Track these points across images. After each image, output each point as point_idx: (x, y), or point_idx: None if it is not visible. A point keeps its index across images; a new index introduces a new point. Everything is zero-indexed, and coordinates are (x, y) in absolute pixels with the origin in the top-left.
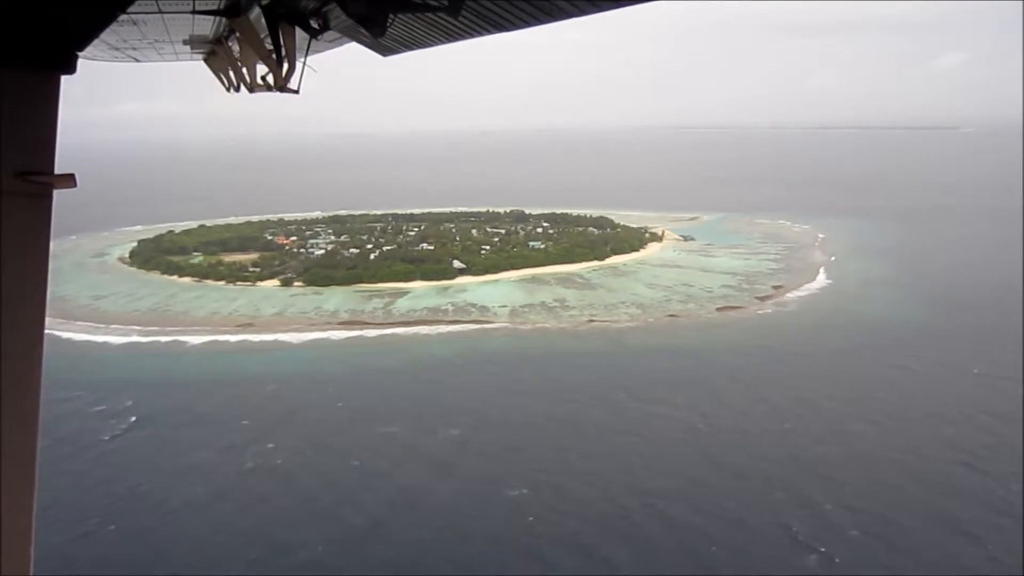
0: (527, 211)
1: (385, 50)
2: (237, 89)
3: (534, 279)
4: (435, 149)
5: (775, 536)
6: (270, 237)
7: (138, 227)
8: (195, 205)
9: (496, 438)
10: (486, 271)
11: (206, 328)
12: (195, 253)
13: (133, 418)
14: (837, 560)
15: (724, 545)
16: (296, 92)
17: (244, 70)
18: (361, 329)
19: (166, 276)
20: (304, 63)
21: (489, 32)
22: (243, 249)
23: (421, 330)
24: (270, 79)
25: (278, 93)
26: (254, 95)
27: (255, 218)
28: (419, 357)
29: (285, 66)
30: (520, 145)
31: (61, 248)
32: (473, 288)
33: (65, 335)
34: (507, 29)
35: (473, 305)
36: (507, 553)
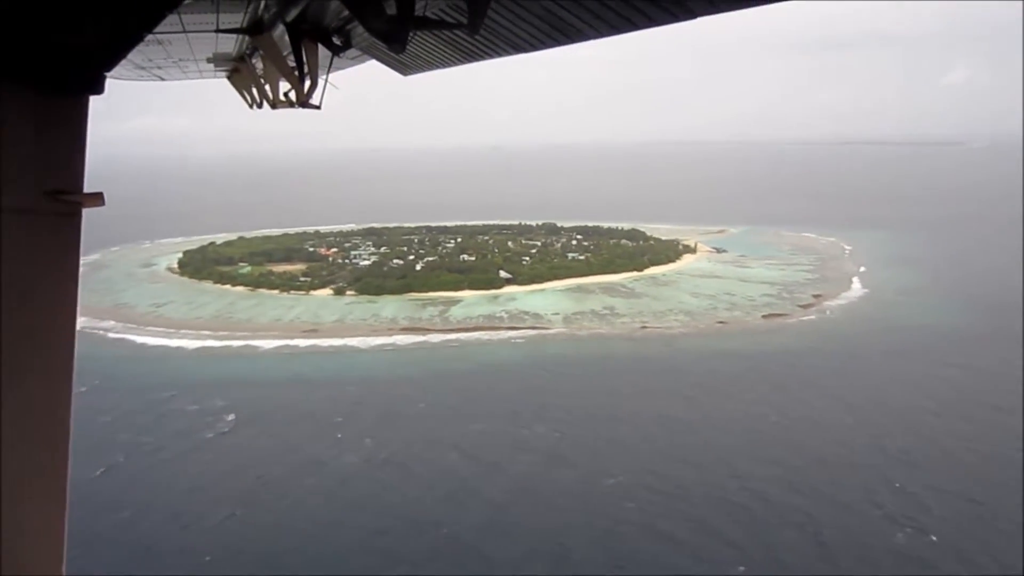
0: (558, 224)
1: (405, 68)
2: (260, 106)
3: (579, 288)
4: (452, 164)
5: (869, 513)
6: (312, 248)
7: (178, 239)
8: (226, 218)
9: (588, 432)
10: (532, 281)
11: (273, 333)
12: (241, 264)
13: (232, 416)
14: (933, 538)
15: (824, 520)
16: (318, 108)
17: (267, 87)
18: (424, 335)
19: (219, 285)
20: (326, 80)
21: (507, 53)
22: (288, 260)
23: (482, 336)
24: (292, 95)
25: (300, 109)
26: (276, 112)
27: (291, 230)
28: (489, 360)
29: (307, 83)
30: (536, 160)
31: (106, 259)
32: (522, 297)
33: (139, 340)
34: (525, 50)
35: (526, 312)
36: (633, 529)
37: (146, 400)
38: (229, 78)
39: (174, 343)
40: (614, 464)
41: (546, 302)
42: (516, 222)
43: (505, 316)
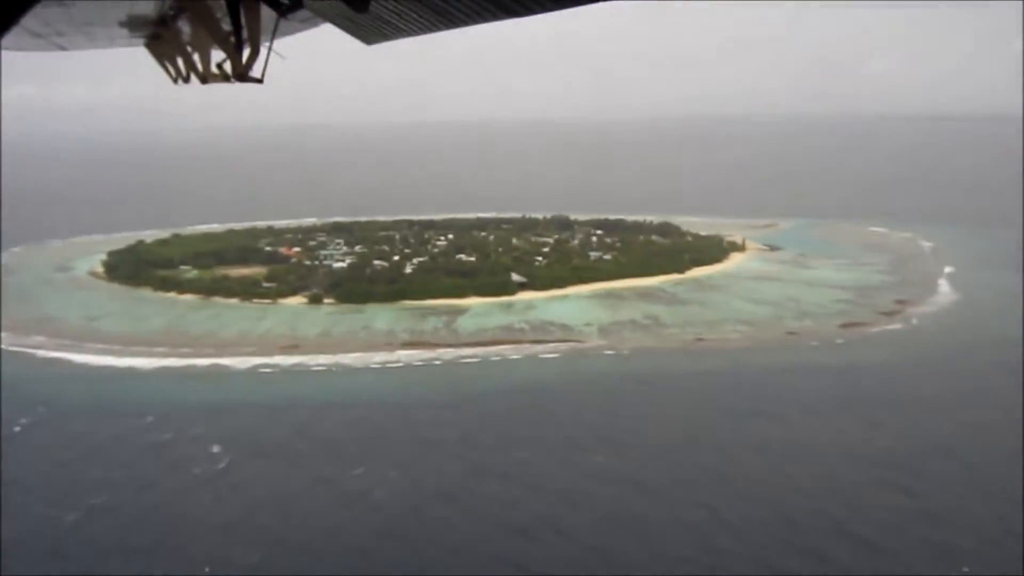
0: (571, 217)
1: (368, 35)
2: (187, 79)
3: (609, 294)
4: (419, 143)
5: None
6: (269, 248)
7: (96, 236)
8: (152, 210)
9: (666, 462)
10: (551, 285)
11: (245, 350)
12: (184, 267)
13: (217, 448)
14: None
15: (975, 523)
16: (260, 81)
17: (196, 57)
18: (432, 350)
19: (161, 293)
20: (270, 48)
21: (489, 18)
22: (242, 262)
23: (504, 351)
24: (228, 67)
25: (238, 83)
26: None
27: (237, 226)
28: (519, 380)
29: (247, 51)
30: (523, 140)
31: (11, 261)
32: (542, 304)
33: (79, 359)
34: (514, 14)
35: (551, 323)
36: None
37: (109, 430)
38: (147, 46)
39: (123, 362)
40: (715, 498)
41: (573, 311)
42: (519, 215)
43: (526, 328)
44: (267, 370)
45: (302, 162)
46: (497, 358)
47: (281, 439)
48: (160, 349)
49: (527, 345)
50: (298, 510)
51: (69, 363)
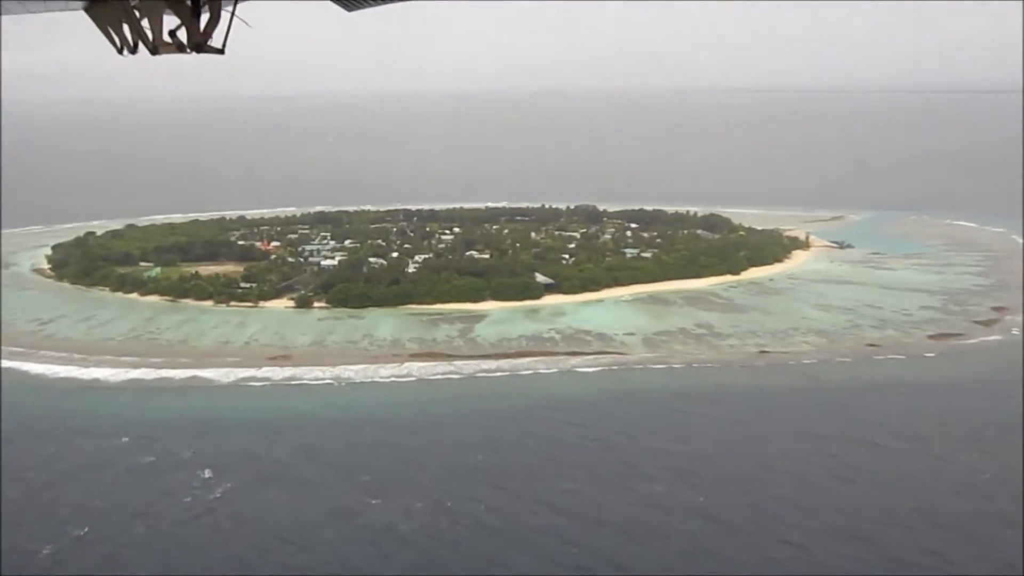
0: (600, 207)
1: (348, 1)
2: (133, 50)
3: (652, 299)
4: (404, 116)
5: None
6: (242, 242)
7: (35, 227)
8: (101, 197)
9: (743, 493)
10: (583, 288)
11: (226, 360)
12: (145, 264)
13: (208, 472)
14: None
15: None
16: (221, 52)
17: (145, 23)
18: (448, 363)
19: (120, 294)
20: (232, 13)
21: None
22: (212, 257)
23: (533, 364)
24: (183, 35)
25: (194, 54)
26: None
27: (202, 215)
28: (555, 398)
29: (205, 17)
30: (529, 113)
31: None
32: (573, 310)
33: (34, 369)
34: None
35: (586, 332)
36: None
37: (81, 452)
38: (88, 11)
39: (87, 373)
40: (802, 534)
41: (611, 318)
42: (536, 204)
43: (557, 337)
44: (256, 384)
45: (272, 141)
46: (526, 372)
47: (283, 462)
48: (128, 359)
49: (560, 358)
50: (317, 546)
51: (23, 374)
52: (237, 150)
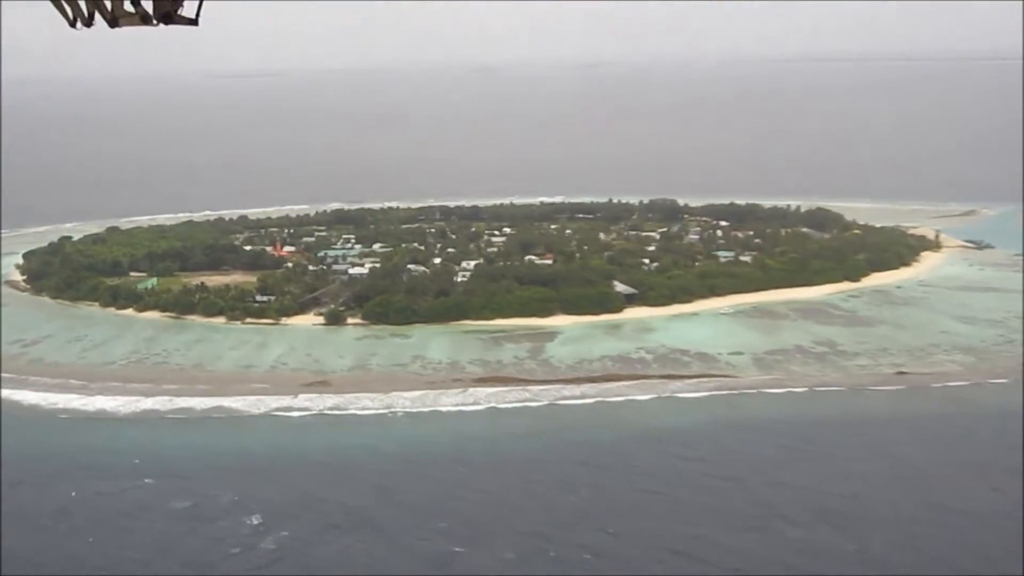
0: (680, 201)
1: None
2: (89, 21)
3: (758, 311)
4: (418, 93)
5: None
6: (249, 247)
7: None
8: (72, 194)
9: (941, 536)
10: (672, 299)
11: (252, 388)
12: (137, 273)
13: (256, 518)
14: None
15: None
16: (194, 23)
17: None
18: (522, 388)
19: (113, 310)
20: None
21: None
22: (215, 266)
23: (624, 389)
24: (147, 4)
25: (162, 26)
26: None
27: (195, 215)
28: (661, 429)
29: None
30: (570, 88)
31: None
32: (664, 325)
33: (27, 398)
34: None
35: (683, 352)
36: None
37: (103, 496)
38: None
39: (90, 403)
40: None
41: (711, 334)
42: (603, 199)
43: (649, 358)
44: (293, 415)
45: (267, 125)
46: (617, 399)
47: (347, 505)
48: (135, 386)
49: (656, 381)
50: None
51: (15, 405)
52: (228, 136)
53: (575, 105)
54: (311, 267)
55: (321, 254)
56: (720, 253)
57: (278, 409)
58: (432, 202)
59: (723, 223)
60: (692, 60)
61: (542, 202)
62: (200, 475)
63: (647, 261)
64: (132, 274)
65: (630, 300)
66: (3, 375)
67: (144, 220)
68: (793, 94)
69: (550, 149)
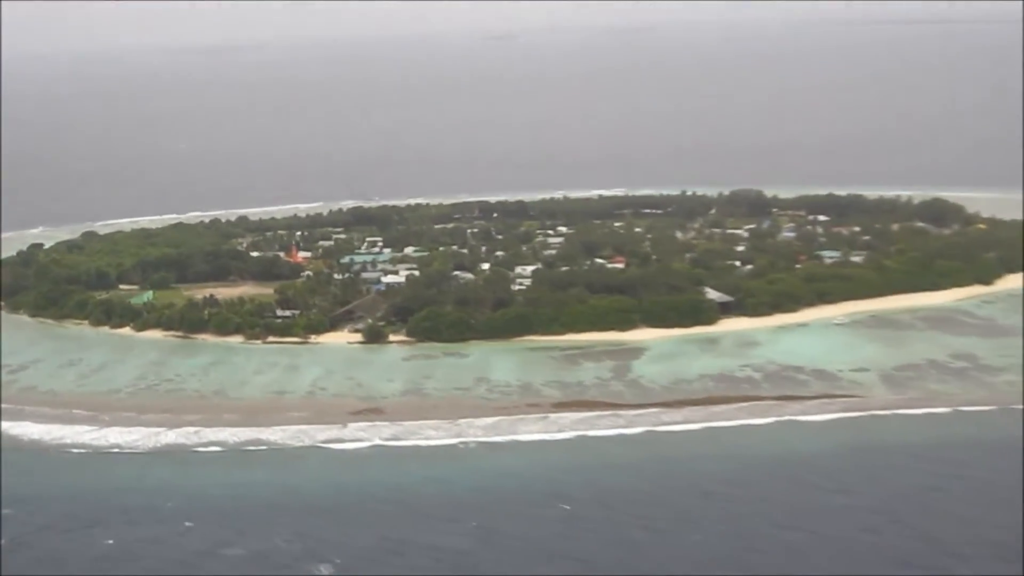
0: (768, 193)
1: None
2: None
3: (878, 320)
4: (422, 68)
5: None
6: (256, 253)
7: None
8: (33, 193)
9: None
10: (775, 307)
11: (291, 417)
12: (127, 287)
13: (329, 568)
14: None
15: None
16: None
17: None
18: (612, 414)
19: (107, 329)
20: None
21: None
22: (219, 275)
23: (733, 412)
24: None
25: None
26: None
27: (183, 217)
28: (783, 457)
29: None
30: (609, 54)
31: None
32: (769, 338)
33: (29, 431)
34: None
35: (797, 369)
36: None
37: (153, 543)
38: None
39: (102, 437)
40: None
41: (827, 348)
42: (674, 191)
43: (757, 376)
44: (347, 446)
45: (257, 106)
46: (728, 424)
47: (453, 550)
48: (152, 417)
49: (771, 404)
50: None
51: (15, 439)
52: (209, 122)
53: (616, 78)
54: (336, 275)
55: (345, 260)
56: (824, 253)
57: (327, 441)
58: (467, 197)
59: (821, 217)
60: (755, 19)
61: (599, 195)
62: (249, 517)
63: (737, 263)
64: (121, 287)
65: (725, 309)
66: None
67: (123, 223)
68: (872, 60)
69: (596, 132)
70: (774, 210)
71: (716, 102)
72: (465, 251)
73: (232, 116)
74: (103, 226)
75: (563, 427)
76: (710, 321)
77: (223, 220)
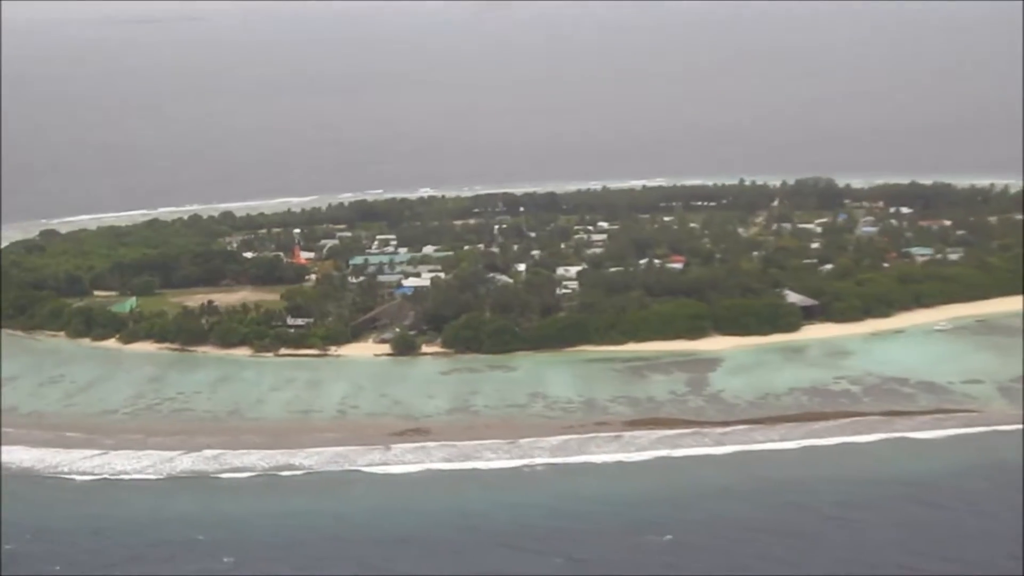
0: (840, 182)
1: None
2: None
3: (986, 325)
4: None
5: None
6: (250, 253)
7: None
8: None
9: None
10: (865, 311)
11: (323, 439)
12: (102, 293)
13: None
14: None
15: None
16: None
17: None
18: (694, 432)
19: (88, 341)
20: None
21: None
22: (211, 279)
23: (833, 428)
24: None
25: None
26: None
27: (156, 212)
28: (902, 477)
29: None
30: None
31: None
32: (862, 347)
33: (21, 458)
34: None
35: (900, 381)
36: None
37: None
38: None
39: (106, 463)
40: None
41: (929, 357)
42: (730, 180)
43: (855, 389)
44: (394, 470)
45: (214, 83)
46: (829, 442)
47: None
48: (160, 440)
49: (876, 420)
50: None
51: (5, 466)
52: (169, 103)
53: (630, 52)
54: (351, 278)
55: (357, 261)
56: (915, 250)
57: (370, 464)
58: (487, 188)
59: (904, 210)
60: None
61: (643, 185)
62: (301, 549)
63: (813, 261)
64: (96, 293)
65: (807, 314)
66: None
67: (85, 220)
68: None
69: (621, 114)
70: (847, 201)
71: (756, 75)
72: (495, 250)
73: (200, 96)
74: (63, 223)
75: (641, 447)
76: (792, 328)
77: (204, 216)
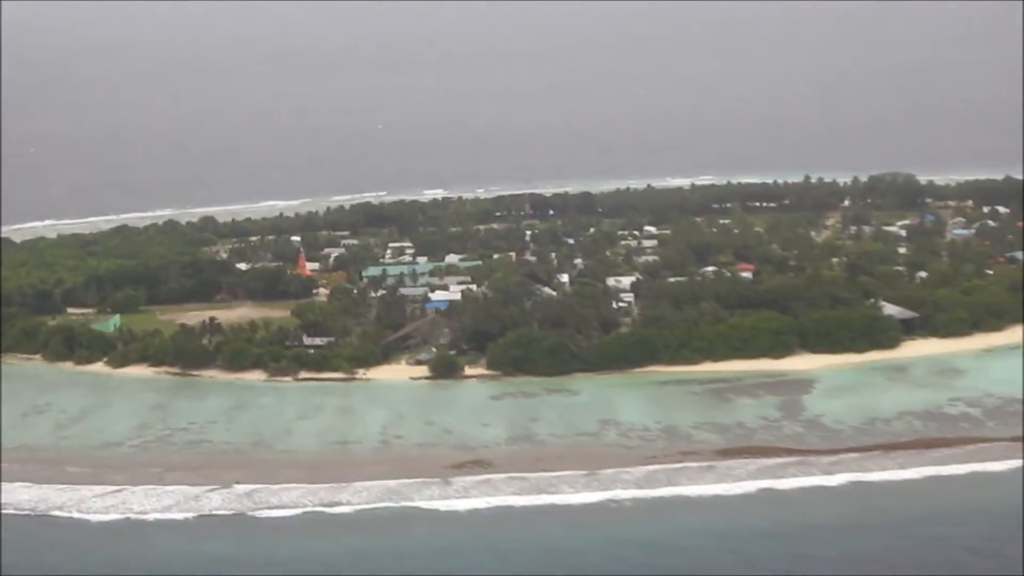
0: (921, 178)
1: None
2: None
3: None
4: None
5: None
6: (244, 264)
7: None
8: None
9: None
10: (973, 324)
11: (369, 473)
12: (76, 310)
13: None
14: None
15: None
16: None
17: None
18: (796, 459)
19: (71, 365)
20: None
21: None
22: (204, 295)
23: (956, 456)
24: None
25: None
26: None
27: (125, 219)
28: None
29: None
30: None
31: None
32: (974, 364)
33: (21, 498)
34: None
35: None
36: None
37: None
38: None
39: (121, 502)
40: None
41: None
42: (795, 177)
43: (975, 413)
44: (458, 506)
45: (159, 69)
46: (955, 472)
47: None
48: (181, 475)
49: (1006, 446)
50: None
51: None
52: (140, 89)
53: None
54: (371, 292)
55: (373, 272)
56: (1020, 255)
57: (429, 499)
58: (506, 189)
59: (1000, 208)
60: None
61: (693, 183)
62: None
63: (901, 268)
64: (70, 310)
65: (906, 328)
66: None
67: (40, 227)
68: None
69: (653, 101)
70: (930, 199)
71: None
72: (531, 259)
73: (167, 84)
74: (13, 231)
75: (739, 478)
76: (891, 343)
77: (183, 222)
